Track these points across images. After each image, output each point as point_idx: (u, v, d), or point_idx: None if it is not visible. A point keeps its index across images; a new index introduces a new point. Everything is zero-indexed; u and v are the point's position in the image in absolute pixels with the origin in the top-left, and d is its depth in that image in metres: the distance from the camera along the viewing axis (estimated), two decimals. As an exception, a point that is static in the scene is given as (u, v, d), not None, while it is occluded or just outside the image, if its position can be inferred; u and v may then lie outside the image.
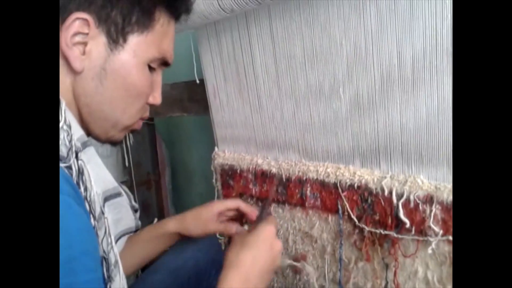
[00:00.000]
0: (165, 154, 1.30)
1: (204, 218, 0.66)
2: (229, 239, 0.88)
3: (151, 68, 0.47)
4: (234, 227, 0.66)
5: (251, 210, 0.65)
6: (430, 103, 0.52)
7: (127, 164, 1.20)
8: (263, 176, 0.76)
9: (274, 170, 0.74)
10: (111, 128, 0.48)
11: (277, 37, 0.65)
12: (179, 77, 1.01)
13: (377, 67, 0.56)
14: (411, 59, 0.52)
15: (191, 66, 0.83)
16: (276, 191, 0.73)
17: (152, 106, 0.52)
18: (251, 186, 0.80)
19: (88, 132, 0.48)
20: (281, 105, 0.70)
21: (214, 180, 0.88)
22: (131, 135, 1.16)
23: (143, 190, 1.25)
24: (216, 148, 0.87)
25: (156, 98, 0.51)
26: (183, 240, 0.81)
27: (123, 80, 0.45)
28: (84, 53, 0.42)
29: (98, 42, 0.43)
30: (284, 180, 0.72)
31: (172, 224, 0.67)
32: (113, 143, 0.51)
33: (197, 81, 0.86)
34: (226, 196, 0.87)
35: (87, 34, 0.41)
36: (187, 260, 0.73)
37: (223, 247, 0.83)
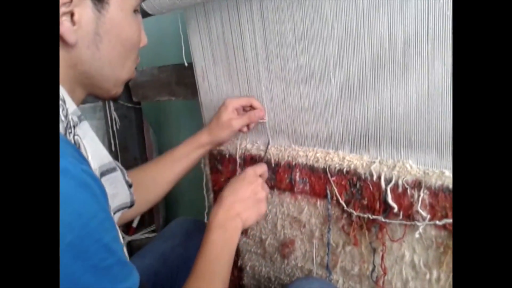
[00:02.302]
0: (153, 139, 1.28)
1: (226, 119, 0.70)
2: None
3: (134, 12, 0.47)
4: (256, 113, 0.70)
5: (260, 107, 0.71)
6: (420, 88, 0.52)
7: (113, 148, 1.18)
8: (252, 161, 0.76)
9: (263, 155, 0.74)
10: (113, 87, 0.48)
11: (267, 18, 0.64)
12: (167, 60, 0.99)
13: (368, 51, 0.55)
14: (402, 43, 0.51)
15: (179, 48, 0.81)
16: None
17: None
18: (240, 171, 0.79)
19: (90, 94, 0.48)
20: (271, 89, 0.69)
21: (202, 165, 0.87)
22: (117, 119, 1.14)
23: (130, 175, 1.23)
24: (204, 133, 0.86)
25: (143, 40, 0.51)
26: (171, 226, 0.80)
27: (118, 37, 0.44)
28: (74, 23, 0.40)
29: (84, 7, 0.40)
30: (273, 165, 0.72)
31: (205, 137, 0.71)
32: (116, 98, 0.51)
33: (186, 64, 0.84)
34: (215, 181, 0.86)
35: (70, 2, 0.39)
36: (175, 246, 0.73)
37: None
